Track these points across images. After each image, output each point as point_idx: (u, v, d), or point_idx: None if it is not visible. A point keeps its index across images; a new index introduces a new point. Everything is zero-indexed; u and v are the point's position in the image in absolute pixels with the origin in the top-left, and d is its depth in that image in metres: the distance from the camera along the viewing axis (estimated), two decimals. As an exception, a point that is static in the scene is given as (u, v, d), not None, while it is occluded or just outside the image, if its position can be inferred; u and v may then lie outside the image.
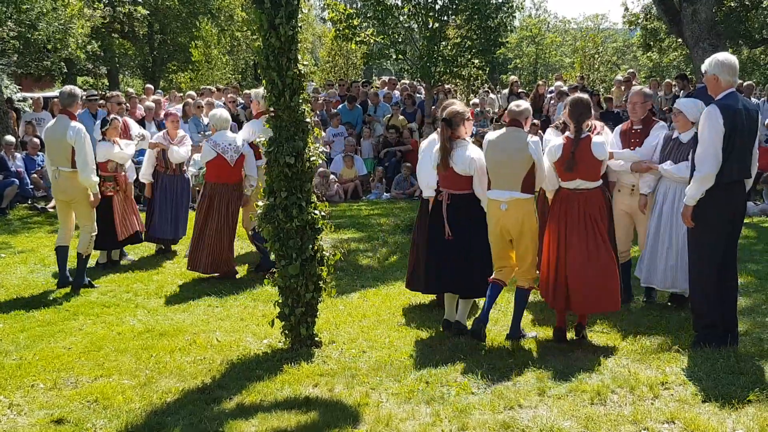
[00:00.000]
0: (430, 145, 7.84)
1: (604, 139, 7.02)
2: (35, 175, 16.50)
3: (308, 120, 6.72)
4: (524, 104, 7.13)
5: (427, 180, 7.72)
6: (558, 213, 6.84)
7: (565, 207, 6.80)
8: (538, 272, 7.10)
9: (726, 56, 6.52)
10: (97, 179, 9.06)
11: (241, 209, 9.90)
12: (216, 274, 9.66)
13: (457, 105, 7.39)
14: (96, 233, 9.38)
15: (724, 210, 6.44)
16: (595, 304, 6.82)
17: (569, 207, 6.77)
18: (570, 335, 7.02)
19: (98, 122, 11.11)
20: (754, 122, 6.48)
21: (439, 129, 7.47)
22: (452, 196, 7.17)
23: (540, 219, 7.10)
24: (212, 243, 9.57)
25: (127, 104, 12.56)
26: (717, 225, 6.46)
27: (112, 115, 10.84)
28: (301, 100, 6.63)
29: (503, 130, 7.03)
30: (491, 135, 7.10)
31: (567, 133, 6.89)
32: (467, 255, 7.15)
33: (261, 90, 10.65)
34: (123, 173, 10.10)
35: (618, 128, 8.20)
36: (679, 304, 7.89)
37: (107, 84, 36.66)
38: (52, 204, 15.02)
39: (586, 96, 7.07)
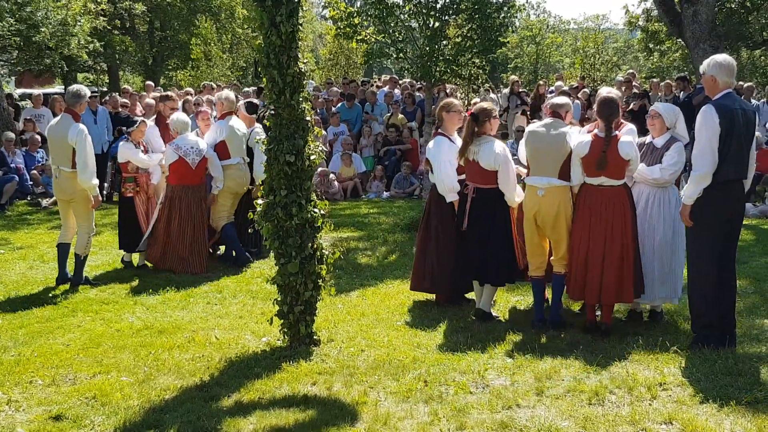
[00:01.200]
0: (443, 147, 7.83)
1: (632, 138, 7.12)
2: (35, 172, 16.51)
3: (308, 118, 6.72)
4: (566, 99, 7.60)
5: (451, 183, 7.78)
6: (583, 208, 7.09)
7: (589, 202, 7.04)
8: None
9: (724, 57, 6.55)
10: (96, 182, 9.02)
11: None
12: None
13: (485, 102, 7.93)
14: (94, 233, 9.39)
15: (722, 210, 6.46)
16: (614, 296, 7.03)
17: (593, 202, 7.02)
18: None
19: (99, 119, 11.16)
20: (750, 123, 6.51)
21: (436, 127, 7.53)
22: (478, 190, 7.47)
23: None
24: (174, 243, 9.81)
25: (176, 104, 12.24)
26: (714, 225, 6.47)
27: (140, 118, 10.86)
28: (301, 99, 6.63)
29: (545, 120, 7.39)
30: (533, 126, 7.54)
31: (595, 131, 7.07)
32: (486, 246, 7.41)
33: (225, 92, 10.80)
34: (146, 173, 10.10)
35: (584, 129, 8.16)
36: (653, 319, 7.57)
37: (107, 81, 36.64)
38: (49, 201, 15.03)
39: (614, 95, 7.20)
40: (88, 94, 9.43)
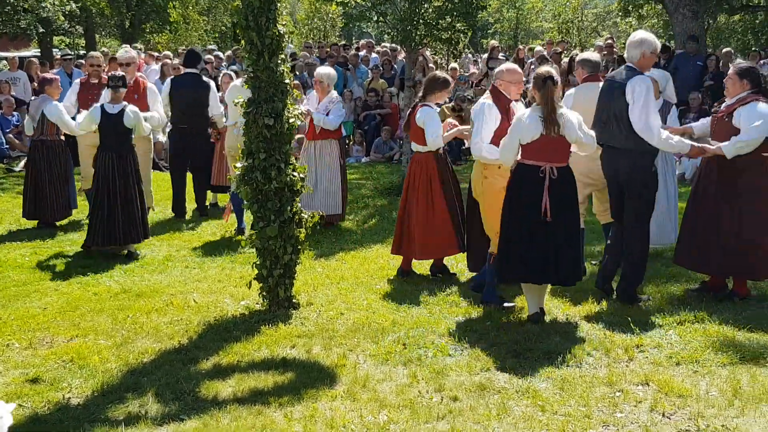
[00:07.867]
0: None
1: None
2: (10, 135, 16.31)
3: (287, 81, 6.67)
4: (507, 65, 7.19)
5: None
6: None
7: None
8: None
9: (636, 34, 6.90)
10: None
11: None
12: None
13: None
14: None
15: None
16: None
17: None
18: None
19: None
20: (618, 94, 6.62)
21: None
22: None
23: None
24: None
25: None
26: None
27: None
28: (280, 61, 6.58)
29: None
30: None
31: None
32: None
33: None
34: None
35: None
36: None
37: (84, 45, 36.17)
38: (21, 166, 14.86)
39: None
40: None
